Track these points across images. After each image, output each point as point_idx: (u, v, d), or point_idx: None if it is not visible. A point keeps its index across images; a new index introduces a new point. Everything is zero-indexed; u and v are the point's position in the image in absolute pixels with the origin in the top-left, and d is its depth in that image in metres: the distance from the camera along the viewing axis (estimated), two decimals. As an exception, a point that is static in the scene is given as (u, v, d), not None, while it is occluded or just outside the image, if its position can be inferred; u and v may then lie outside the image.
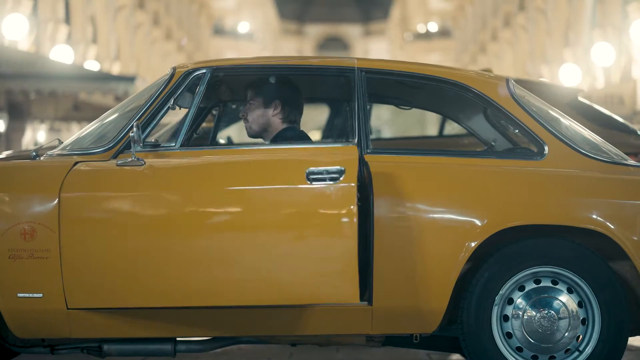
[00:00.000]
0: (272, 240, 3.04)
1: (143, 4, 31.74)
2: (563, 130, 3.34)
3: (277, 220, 3.04)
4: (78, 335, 3.12)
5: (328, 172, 3.03)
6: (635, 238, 3.13)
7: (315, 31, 69.47)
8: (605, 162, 3.28)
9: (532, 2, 30.81)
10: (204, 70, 3.27)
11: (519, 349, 3.16)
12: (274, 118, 3.44)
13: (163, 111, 3.24)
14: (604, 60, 20.86)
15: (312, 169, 3.04)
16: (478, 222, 3.10)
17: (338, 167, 3.03)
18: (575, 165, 3.24)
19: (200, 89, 3.24)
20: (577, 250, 3.15)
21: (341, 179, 3.01)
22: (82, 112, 16.60)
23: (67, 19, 23.15)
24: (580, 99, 5.47)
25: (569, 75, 23.43)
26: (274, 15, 63.63)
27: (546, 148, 3.25)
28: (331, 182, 3.01)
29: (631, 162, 3.37)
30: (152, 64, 32.28)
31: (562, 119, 3.47)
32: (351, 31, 69.65)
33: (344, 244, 2.99)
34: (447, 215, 3.13)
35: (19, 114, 15.81)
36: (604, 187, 3.21)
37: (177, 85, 3.25)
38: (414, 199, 3.14)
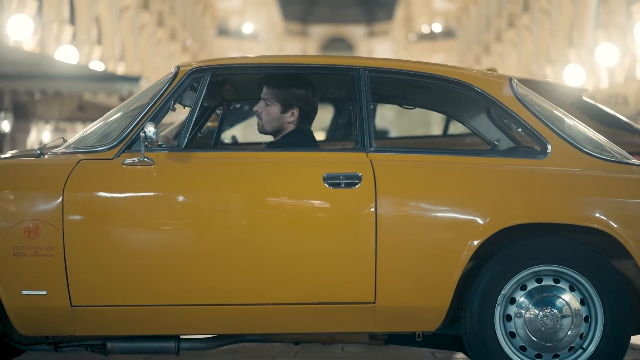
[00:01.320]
0: (287, 242, 3.09)
1: (147, 4, 31.78)
2: (566, 129, 3.35)
3: (293, 221, 3.10)
4: (82, 332, 3.13)
5: (345, 177, 3.09)
6: (638, 237, 3.13)
7: (319, 32, 69.46)
8: (608, 161, 3.28)
9: (536, 2, 30.78)
10: (208, 69, 3.28)
11: (522, 348, 3.16)
12: (289, 124, 3.45)
13: (166, 110, 3.25)
14: (608, 61, 20.84)
15: (328, 173, 3.09)
16: (481, 221, 3.11)
17: (355, 173, 3.10)
18: (579, 164, 3.24)
19: (204, 88, 3.25)
20: (580, 249, 3.16)
21: (359, 184, 3.08)
22: (86, 112, 16.64)
23: (72, 20, 23.19)
24: (585, 98, 5.47)
25: (573, 75, 23.41)
26: (278, 16, 63.66)
27: (549, 147, 3.25)
28: (349, 187, 3.09)
29: (634, 161, 3.37)
30: (156, 65, 32.31)
31: (565, 118, 3.47)
32: (355, 32, 69.61)
33: (363, 247, 3.07)
34: (449, 214, 3.14)
35: (23, 114, 15.86)
36: (607, 186, 3.21)
37: (181, 84, 3.26)
38: (417, 198, 3.15)
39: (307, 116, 3.47)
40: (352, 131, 3.31)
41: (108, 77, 15.29)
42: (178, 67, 3.32)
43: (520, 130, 3.34)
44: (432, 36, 55.80)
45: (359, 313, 3.13)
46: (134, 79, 14.31)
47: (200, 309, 3.12)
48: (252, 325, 3.18)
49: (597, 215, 3.14)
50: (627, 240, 3.13)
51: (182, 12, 38.18)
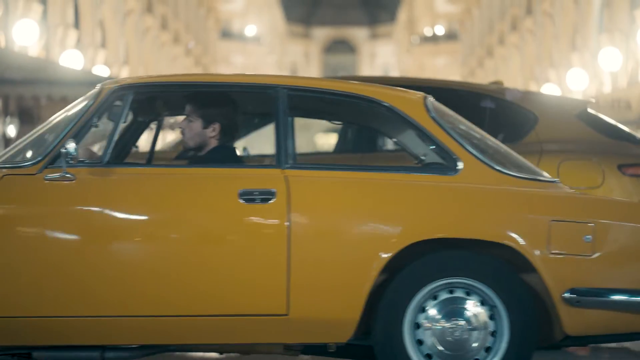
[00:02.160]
0: (203, 255, 3.20)
1: (151, 8, 31.98)
2: (478, 146, 3.42)
3: (210, 236, 3.22)
4: (4, 343, 3.23)
5: (260, 193, 3.20)
6: (542, 251, 3.21)
7: (322, 34, 69.44)
8: (517, 178, 3.36)
9: (539, 6, 30.77)
10: (130, 88, 3.39)
11: None
12: (212, 139, 3.56)
13: (89, 127, 3.36)
14: (611, 65, 20.84)
15: (244, 189, 3.20)
16: (391, 235, 3.20)
17: (269, 189, 3.21)
18: (488, 180, 3.33)
19: (127, 106, 3.36)
20: (486, 263, 3.24)
21: (273, 200, 3.19)
22: (91, 116, 16.73)
23: (77, 24, 23.37)
24: (590, 110, 5.50)
25: (576, 79, 23.39)
26: (280, 18, 63.68)
27: (460, 164, 3.34)
28: (263, 203, 3.20)
29: (545, 177, 3.45)
30: (160, 68, 32.51)
31: (479, 136, 3.55)
32: (358, 34, 69.54)
33: (276, 261, 3.18)
34: (361, 228, 3.23)
35: (29, 119, 16.01)
36: (514, 202, 3.29)
37: (104, 102, 3.37)
38: (330, 213, 3.25)
39: (229, 131, 3.58)
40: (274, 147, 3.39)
41: (113, 82, 15.33)
42: (102, 85, 3.44)
43: (432, 147, 3.43)
44: (434, 39, 55.73)
45: (272, 325, 3.22)
46: (138, 83, 14.35)
47: (122, 320, 3.23)
48: (173, 336, 3.27)
49: (503, 230, 3.22)
50: (532, 255, 3.21)
51: (185, 15, 38.37)
